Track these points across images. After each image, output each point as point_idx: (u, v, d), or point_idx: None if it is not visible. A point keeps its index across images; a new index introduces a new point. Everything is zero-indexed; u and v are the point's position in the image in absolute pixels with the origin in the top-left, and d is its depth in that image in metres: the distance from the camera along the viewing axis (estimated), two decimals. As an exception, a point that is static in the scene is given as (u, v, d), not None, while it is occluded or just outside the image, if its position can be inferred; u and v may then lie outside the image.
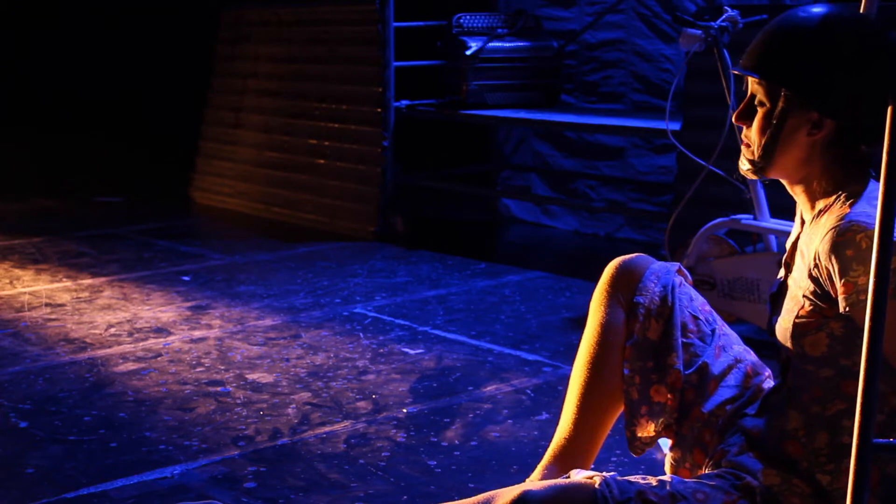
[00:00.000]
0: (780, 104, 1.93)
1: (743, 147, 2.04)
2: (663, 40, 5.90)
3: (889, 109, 1.44)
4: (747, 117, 2.00)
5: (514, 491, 1.92)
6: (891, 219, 1.41)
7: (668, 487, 1.93)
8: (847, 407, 1.92)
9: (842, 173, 1.93)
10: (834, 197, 1.91)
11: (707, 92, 4.50)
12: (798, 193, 2.01)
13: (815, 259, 1.87)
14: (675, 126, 4.70)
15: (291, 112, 6.60)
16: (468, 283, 4.99)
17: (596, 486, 1.92)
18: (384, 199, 5.95)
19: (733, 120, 2.03)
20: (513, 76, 6.05)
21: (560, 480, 1.98)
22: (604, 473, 1.96)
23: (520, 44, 6.07)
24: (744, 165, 2.04)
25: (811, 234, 1.93)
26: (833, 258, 1.82)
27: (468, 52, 5.90)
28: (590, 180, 6.28)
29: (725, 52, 3.92)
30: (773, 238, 3.97)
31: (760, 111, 1.97)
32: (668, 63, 5.90)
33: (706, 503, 1.93)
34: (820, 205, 1.94)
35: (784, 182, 2.03)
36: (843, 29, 1.88)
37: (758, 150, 1.99)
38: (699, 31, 3.92)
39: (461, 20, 6.02)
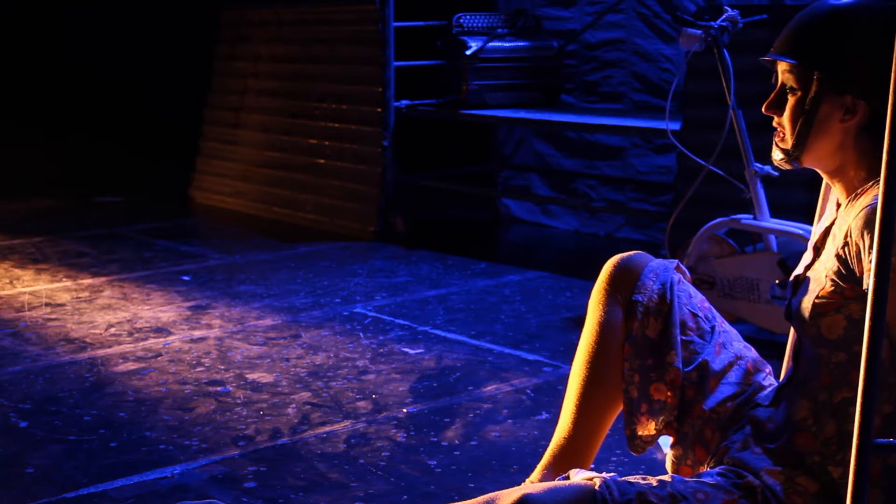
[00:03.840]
0: (814, 89, 1.94)
1: (775, 138, 2.03)
2: (663, 40, 5.90)
3: (889, 107, 1.43)
4: (777, 107, 2.00)
5: (515, 493, 1.92)
6: (891, 216, 1.41)
7: (668, 488, 1.93)
8: (853, 395, 1.92)
9: (877, 161, 1.92)
10: (872, 182, 1.92)
11: (707, 92, 4.51)
12: (835, 183, 2.00)
13: (845, 237, 1.87)
14: (675, 126, 4.70)
15: (291, 112, 6.60)
16: (468, 283, 4.99)
17: (596, 487, 1.91)
18: (384, 199, 5.95)
19: (763, 110, 2.02)
20: (513, 76, 6.04)
21: (560, 482, 1.98)
22: (603, 474, 1.96)
23: (520, 44, 6.07)
24: (777, 156, 2.03)
25: (845, 216, 1.93)
26: (865, 234, 1.82)
27: (468, 52, 5.90)
28: (590, 180, 6.28)
29: (725, 51, 3.92)
30: (773, 238, 3.97)
31: (792, 98, 1.97)
32: (668, 63, 5.90)
33: (707, 503, 1.93)
34: (857, 190, 1.94)
35: (820, 171, 2.03)
36: (873, 13, 1.90)
37: (791, 137, 1.98)
38: (699, 31, 3.92)
39: (461, 20, 6.02)
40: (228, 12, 7.18)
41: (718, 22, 3.91)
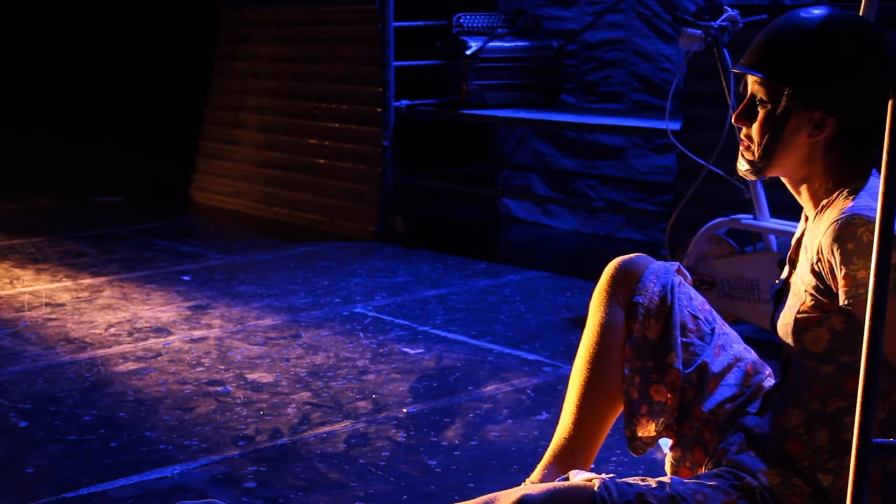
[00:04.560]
0: (783, 103, 1.94)
1: (742, 148, 2.04)
2: (663, 40, 5.90)
3: (889, 108, 1.44)
4: (747, 117, 2.01)
5: (514, 494, 1.92)
6: (891, 218, 1.41)
7: (667, 489, 1.93)
8: (847, 404, 1.92)
9: (844, 173, 1.93)
10: (836, 193, 1.92)
11: (707, 92, 4.50)
12: (800, 193, 2.01)
13: (817, 253, 1.88)
14: (675, 126, 4.70)
15: (291, 112, 6.60)
16: (468, 282, 4.99)
17: (595, 488, 1.92)
18: (384, 199, 5.95)
19: (733, 121, 2.03)
20: (513, 76, 6.04)
21: (559, 483, 1.98)
22: (603, 476, 1.96)
23: (520, 43, 6.07)
24: (742, 166, 2.05)
25: (815, 229, 1.93)
26: (835, 251, 1.82)
27: (468, 52, 5.90)
28: (590, 180, 6.28)
29: (725, 51, 3.92)
30: (773, 238, 3.97)
31: (762, 111, 1.98)
32: (668, 63, 5.90)
33: (706, 504, 1.93)
34: (823, 202, 1.95)
35: (785, 181, 2.04)
36: (844, 29, 1.91)
37: (758, 150, 1.99)
38: (699, 31, 3.92)
39: (461, 20, 6.02)
40: (228, 12, 7.18)
41: (718, 22, 3.91)
